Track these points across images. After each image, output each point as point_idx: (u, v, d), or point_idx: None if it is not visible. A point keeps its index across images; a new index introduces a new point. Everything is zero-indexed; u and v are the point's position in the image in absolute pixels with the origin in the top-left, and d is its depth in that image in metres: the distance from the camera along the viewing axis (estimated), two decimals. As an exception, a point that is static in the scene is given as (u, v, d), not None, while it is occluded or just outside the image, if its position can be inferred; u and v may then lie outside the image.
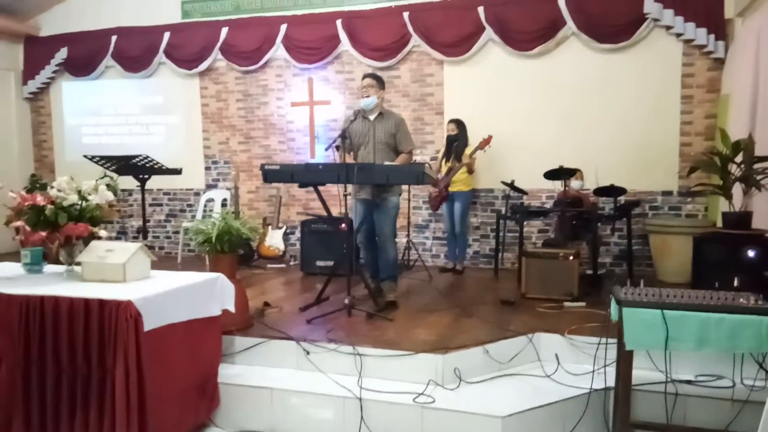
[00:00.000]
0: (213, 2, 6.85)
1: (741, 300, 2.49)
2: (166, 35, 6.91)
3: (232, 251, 3.68)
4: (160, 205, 7.31)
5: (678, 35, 5.45)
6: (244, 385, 3.23)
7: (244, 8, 6.75)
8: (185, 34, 6.87)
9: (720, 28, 5.29)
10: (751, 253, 3.06)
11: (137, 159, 5.43)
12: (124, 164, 5.45)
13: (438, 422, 2.87)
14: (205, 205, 6.81)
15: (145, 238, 5.61)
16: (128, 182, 5.74)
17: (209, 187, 7.11)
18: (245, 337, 3.53)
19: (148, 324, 2.60)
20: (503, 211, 5.59)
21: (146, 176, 5.55)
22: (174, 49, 6.93)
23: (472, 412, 2.84)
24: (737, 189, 3.55)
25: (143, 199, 5.68)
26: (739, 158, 3.49)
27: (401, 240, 5.83)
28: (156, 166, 5.53)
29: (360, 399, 2.98)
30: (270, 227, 6.37)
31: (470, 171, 5.64)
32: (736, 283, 2.70)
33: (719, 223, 4.33)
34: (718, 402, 2.89)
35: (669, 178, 5.63)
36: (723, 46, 5.29)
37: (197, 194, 7.12)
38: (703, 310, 2.46)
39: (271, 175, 4.14)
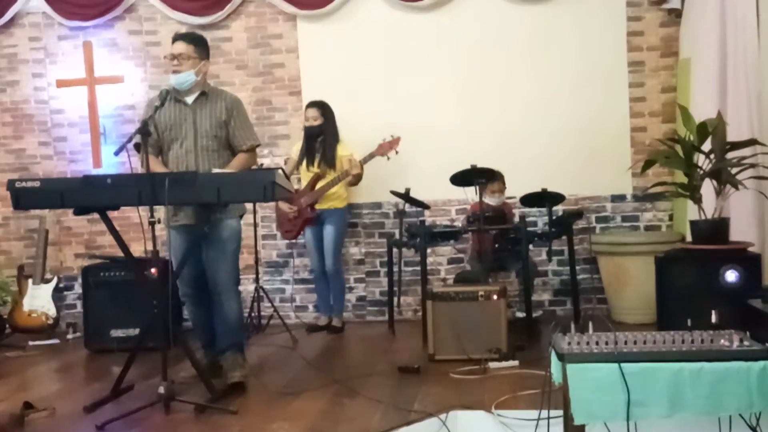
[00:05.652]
0: None
1: (722, 341, 2.71)
2: None
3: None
4: None
5: (619, -24, 5.94)
6: None
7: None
8: None
9: (673, -32, 5.83)
10: (731, 277, 3.35)
11: None
12: None
13: None
14: None
15: None
16: None
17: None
18: (-6, 463, 3.30)
19: None
20: (396, 235, 5.69)
21: None
22: None
23: None
24: (708, 187, 3.84)
25: None
26: (707, 146, 3.78)
27: (247, 287, 5.75)
28: None
29: None
30: (30, 281, 6.03)
31: (356, 183, 5.71)
32: (714, 318, 2.92)
33: (689, 237, 4.72)
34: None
35: (620, 176, 6.03)
36: (679, -8, 5.84)
37: None
38: (672, 359, 2.65)
39: (26, 198, 3.90)
